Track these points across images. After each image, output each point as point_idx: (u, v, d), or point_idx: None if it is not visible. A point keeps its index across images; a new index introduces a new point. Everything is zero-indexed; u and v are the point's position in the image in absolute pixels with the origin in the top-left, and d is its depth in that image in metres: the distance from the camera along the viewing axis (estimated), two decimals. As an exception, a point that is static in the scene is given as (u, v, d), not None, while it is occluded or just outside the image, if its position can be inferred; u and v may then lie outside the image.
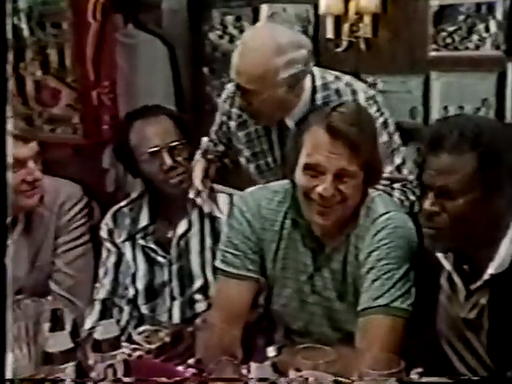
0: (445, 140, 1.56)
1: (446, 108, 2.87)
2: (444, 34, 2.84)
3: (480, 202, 1.55)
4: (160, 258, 2.24)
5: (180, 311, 2.20)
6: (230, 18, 3.40)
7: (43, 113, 3.19)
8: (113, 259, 2.28)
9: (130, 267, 2.25)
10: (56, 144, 3.08)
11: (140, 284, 2.24)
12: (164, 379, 1.60)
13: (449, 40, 2.84)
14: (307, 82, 2.22)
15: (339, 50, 3.08)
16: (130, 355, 1.84)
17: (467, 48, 2.81)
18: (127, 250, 2.27)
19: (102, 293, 2.26)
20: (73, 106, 3.13)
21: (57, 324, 1.69)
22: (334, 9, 3.00)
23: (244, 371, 1.67)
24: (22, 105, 3.16)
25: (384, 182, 2.06)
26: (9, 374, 1.54)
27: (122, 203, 2.34)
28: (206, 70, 3.51)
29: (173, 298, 2.22)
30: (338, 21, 3.04)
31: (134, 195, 2.34)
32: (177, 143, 2.17)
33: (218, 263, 1.94)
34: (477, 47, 2.78)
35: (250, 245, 1.89)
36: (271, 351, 1.81)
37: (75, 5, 3.05)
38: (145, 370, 1.76)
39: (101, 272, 2.30)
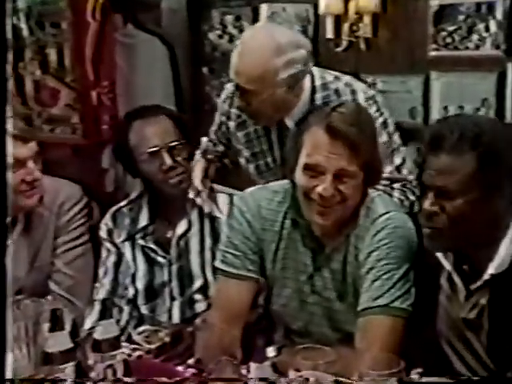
0: (445, 140, 1.55)
1: (445, 108, 2.86)
2: (444, 33, 2.83)
3: (479, 202, 1.54)
4: (160, 258, 2.24)
5: (180, 311, 2.20)
6: (229, 18, 3.39)
7: (42, 113, 3.18)
8: (112, 259, 2.28)
9: (130, 267, 2.25)
10: (55, 144, 3.08)
11: (140, 284, 2.24)
12: (164, 379, 1.60)
13: (449, 40, 2.83)
14: (306, 82, 2.21)
15: (339, 49, 3.07)
16: (129, 355, 1.84)
17: (467, 48, 2.80)
18: (127, 250, 2.26)
19: (101, 293, 2.26)
20: (72, 105, 3.12)
21: (56, 324, 1.69)
22: (333, 8, 2.99)
23: (244, 371, 1.67)
24: (21, 105, 3.16)
25: (384, 181, 2.06)
26: (9, 374, 1.54)
27: (122, 203, 2.33)
28: (205, 69, 3.50)
29: (172, 298, 2.21)
30: (338, 20, 3.03)
31: (133, 195, 2.34)
32: (176, 143, 2.17)
33: (217, 263, 1.94)
34: (477, 47, 2.78)
35: (250, 245, 1.89)
36: (271, 351, 1.81)
37: (74, 4, 3.05)
38: (145, 370, 1.76)
39: (100, 272, 2.29)
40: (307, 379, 1.43)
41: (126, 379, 1.63)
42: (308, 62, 2.16)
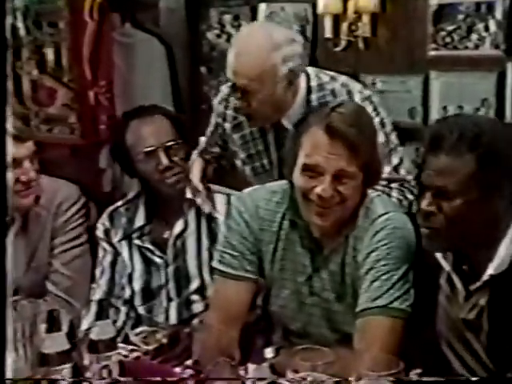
0: (444, 140, 1.55)
1: (445, 108, 2.86)
2: (443, 33, 2.83)
3: (478, 202, 1.54)
4: (156, 259, 2.23)
5: (177, 312, 2.19)
6: (227, 17, 3.38)
7: (40, 112, 3.18)
8: (109, 259, 2.27)
9: (127, 267, 2.24)
10: (53, 144, 3.07)
11: (137, 285, 2.23)
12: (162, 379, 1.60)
13: (448, 39, 2.83)
14: (301, 82, 2.21)
15: (338, 49, 3.07)
16: (127, 356, 1.83)
17: (467, 47, 2.80)
18: (124, 249, 2.26)
19: (98, 293, 2.25)
20: (69, 105, 3.12)
21: (53, 325, 1.69)
22: (332, 8, 2.99)
23: (242, 372, 1.66)
24: (18, 104, 3.16)
25: (382, 181, 2.05)
26: (9, 374, 1.53)
27: (119, 203, 2.33)
28: (203, 69, 3.50)
29: (169, 299, 2.21)
30: (337, 20, 3.03)
31: (130, 195, 2.33)
32: (173, 143, 2.16)
33: (215, 264, 1.93)
34: (476, 47, 2.78)
35: (248, 245, 1.88)
36: (269, 352, 1.80)
37: (72, 4, 3.05)
38: (142, 371, 1.75)
39: (97, 272, 2.29)
40: (305, 380, 1.42)
41: (123, 379, 1.63)
42: (304, 57, 2.16)
